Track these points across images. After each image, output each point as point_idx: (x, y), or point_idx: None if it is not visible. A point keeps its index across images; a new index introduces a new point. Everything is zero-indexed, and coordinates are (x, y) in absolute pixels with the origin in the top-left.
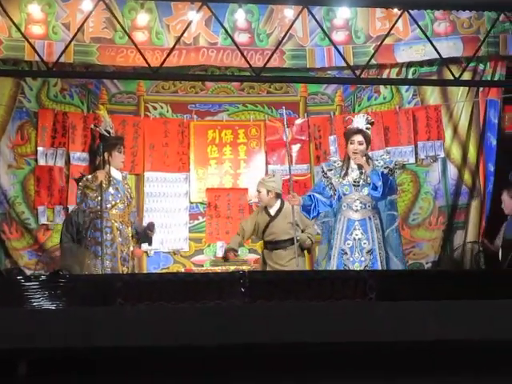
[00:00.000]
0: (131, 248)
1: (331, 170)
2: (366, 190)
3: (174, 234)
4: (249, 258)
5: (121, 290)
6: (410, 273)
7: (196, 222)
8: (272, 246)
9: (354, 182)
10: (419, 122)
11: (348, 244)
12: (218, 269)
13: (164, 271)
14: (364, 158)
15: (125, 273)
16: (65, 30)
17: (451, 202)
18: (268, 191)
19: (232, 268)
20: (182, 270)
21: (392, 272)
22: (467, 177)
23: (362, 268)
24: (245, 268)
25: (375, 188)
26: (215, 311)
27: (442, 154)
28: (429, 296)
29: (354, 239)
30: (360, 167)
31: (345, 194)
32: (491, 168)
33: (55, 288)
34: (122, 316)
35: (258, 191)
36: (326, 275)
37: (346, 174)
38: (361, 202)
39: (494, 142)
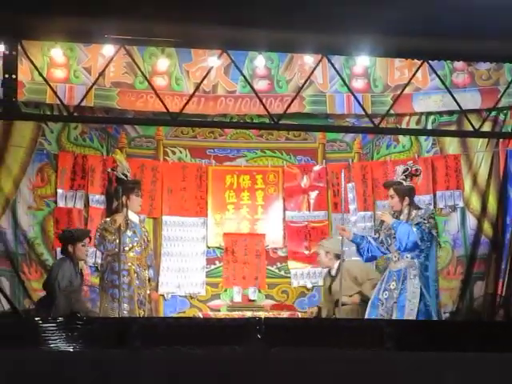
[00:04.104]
0: (148, 291)
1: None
2: None
3: (191, 279)
4: (265, 304)
5: (137, 333)
6: (429, 323)
7: (213, 266)
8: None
9: None
10: (438, 171)
11: (385, 294)
12: (235, 314)
13: (180, 315)
14: (392, 211)
15: (141, 316)
16: (86, 74)
17: (470, 252)
18: (326, 252)
19: (248, 314)
20: (199, 315)
21: (410, 322)
22: (487, 227)
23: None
24: (261, 314)
25: (400, 243)
26: (230, 357)
27: (461, 204)
28: (447, 347)
29: (391, 289)
30: (381, 222)
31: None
32: (508, 221)
33: (72, 330)
34: (138, 359)
35: (317, 253)
36: (344, 323)
37: None
38: (399, 253)
39: None
